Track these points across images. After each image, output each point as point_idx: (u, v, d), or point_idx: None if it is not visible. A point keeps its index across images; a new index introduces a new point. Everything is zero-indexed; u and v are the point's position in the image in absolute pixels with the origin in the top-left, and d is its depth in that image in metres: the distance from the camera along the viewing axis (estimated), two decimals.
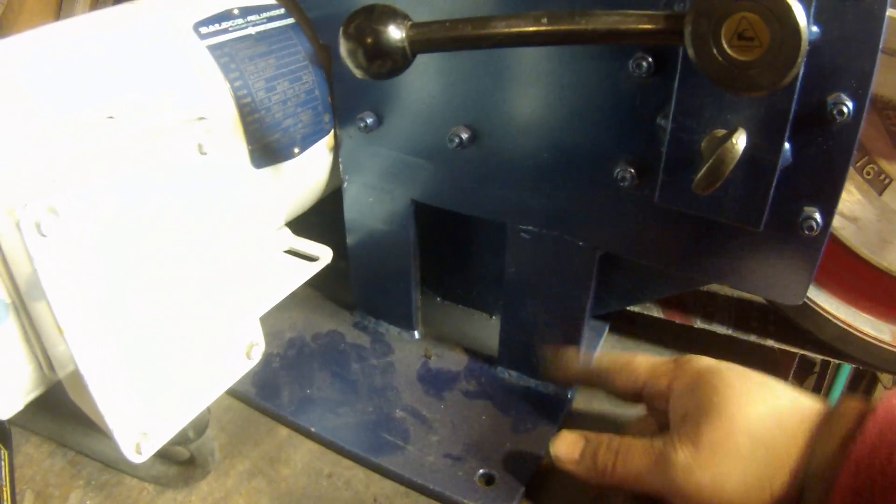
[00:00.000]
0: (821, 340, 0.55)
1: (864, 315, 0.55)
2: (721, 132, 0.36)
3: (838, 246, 0.53)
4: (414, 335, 0.56)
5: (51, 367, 0.37)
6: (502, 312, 0.51)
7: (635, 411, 0.46)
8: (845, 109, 0.33)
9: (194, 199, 0.36)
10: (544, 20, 0.34)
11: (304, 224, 0.54)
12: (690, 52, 0.32)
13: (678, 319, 0.55)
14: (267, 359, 0.53)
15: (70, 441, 0.48)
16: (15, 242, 0.30)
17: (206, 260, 0.38)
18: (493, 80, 0.42)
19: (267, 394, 0.51)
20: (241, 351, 0.41)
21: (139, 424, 0.36)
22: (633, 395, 0.44)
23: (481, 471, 0.45)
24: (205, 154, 0.35)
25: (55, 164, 0.33)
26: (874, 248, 0.52)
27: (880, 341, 0.54)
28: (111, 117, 0.38)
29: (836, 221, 0.52)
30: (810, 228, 0.37)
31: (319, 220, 0.55)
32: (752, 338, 0.56)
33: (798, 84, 0.34)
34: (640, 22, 0.33)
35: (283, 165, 0.47)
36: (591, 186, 0.42)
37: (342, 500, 0.45)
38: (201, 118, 0.35)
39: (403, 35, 0.35)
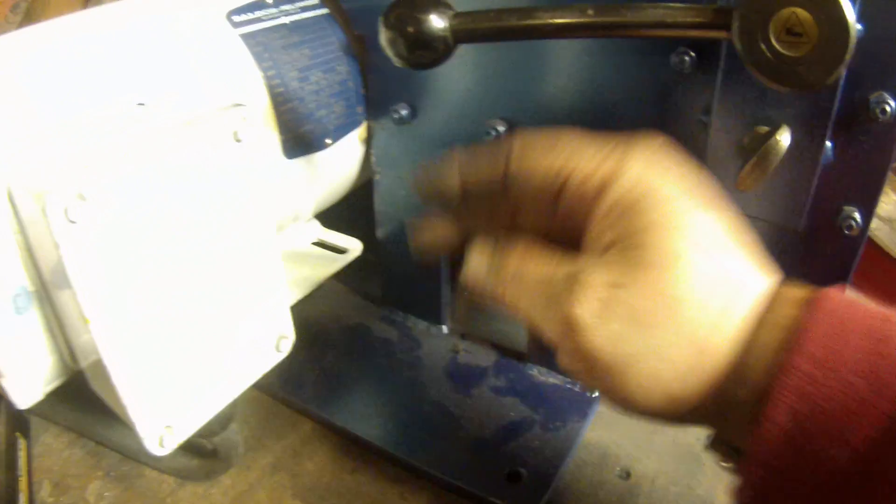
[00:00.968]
0: None
1: None
2: (764, 129, 0.36)
3: (872, 247, 0.53)
4: (442, 329, 0.55)
5: (73, 356, 0.37)
6: None
7: None
8: (888, 108, 0.33)
9: (227, 186, 0.36)
10: (590, 11, 0.34)
11: (333, 216, 0.53)
12: (738, 46, 0.31)
13: None
14: (292, 351, 0.53)
15: (90, 431, 0.47)
16: (41, 229, 0.29)
17: (236, 249, 0.38)
18: (531, 73, 0.42)
19: (291, 386, 0.50)
20: (270, 343, 0.40)
21: (163, 417, 0.36)
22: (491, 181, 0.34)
23: (508, 468, 0.45)
24: (240, 141, 0.35)
25: (85, 151, 0.33)
26: None
27: None
28: (142, 104, 0.38)
29: (871, 222, 0.52)
30: (850, 228, 0.36)
31: (348, 212, 0.54)
32: None
33: (842, 82, 0.33)
34: (687, 15, 0.33)
35: (315, 156, 0.46)
36: None
37: (367, 496, 0.45)
38: (238, 105, 0.35)
39: (447, 24, 0.34)
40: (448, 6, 0.35)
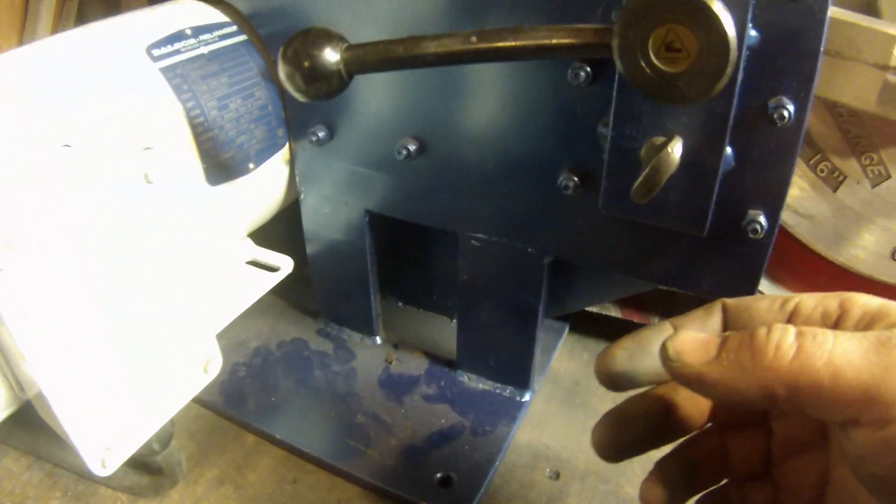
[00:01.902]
0: None
1: None
2: (660, 139, 0.37)
3: (794, 242, 0.54)
4: (376, 340, 0.57)
5: (20, 387, 0.39)
6: (458, 318, 0.52)
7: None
8: (786, 113, 0.33)
9: (144, 224, 0.37)
10: (474, 38, 0.35)
11: (269, 233, 0.55)
12: (618, 64, 0.32)
13: (636, 318, 0.56)
14: (233, 367, 0.55)
15: (46, 454, 0.49)
16: None
17: (163, 278, 0.39)
18: (439, 92, 0.43)
19: (233, 402, 0.52)
20: (198, 367, 0.42)
21: (103, 440, 0.37)
22: None
23: (439, 473, 0.46)
24: (151, 182, 0.36)
25: (11, 195, 0.34)
26: (830, 245, 0.53)
27: None
28: (68, 146, 0.39)
29: (791, 219, 0.53)
30: (755, 231, 0.37)
31: (284, 228, 0.56)
32: None
33: (737, 89, 0.34)
34: (568, 36, 0.33)
35: (240, 180, 0.48)
36: (536, 194, 0.43)
37: None
38: (148, 148, 0.36)
39: (339, 58, 0.36)
40: (342, 39, 0.36)
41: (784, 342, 0.24)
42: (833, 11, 0.32)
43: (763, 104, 0.34)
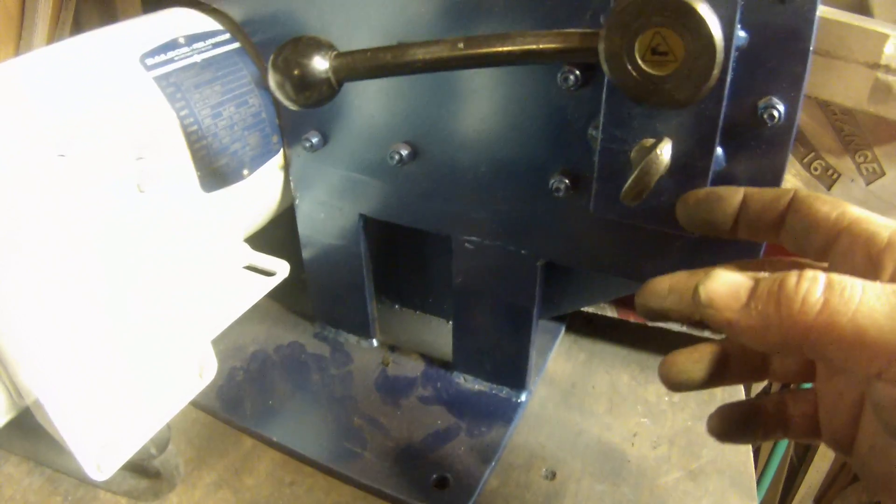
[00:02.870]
0: None
1: None
2: (650, 141, 0.37)
3: None
4: (372, 343, 0.58)
5: (19, 394, 0.39)
6: (454, 320, 0.52)
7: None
8: (776, 113, 0.33)
9: (141, 231, 0.38)
10: (461, 45, 0.35)
11: (265, 237, 0.55)
12: (605, 69, 0.32)
13: (632, 318, 0.57)
14: (231, 371, 0.55)
15: (46, 460, 0.50)
16: None
17: (158, 284, 0.40)
18: (430, 97, 0.43)
19: (231, 406, 0.52)
20: (193, 372, 0.43)
21: (99, 444, 0.38)
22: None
23: (435, 475, 0.47)
24: (143, 192, 0.37)
25: (7, 203, 0.35)
26: None
27: None
28: (62, 155, 0.39)
29: None
30: None
31: (280, 232, 0.56)
32: (706, 333, 0.57)
33: (726, 90, 0.34)
34: (554, 42, 0.34)
35: (235, 187, 0.48)
36: (528, 197, 0.43)
37: None
38: (140, 158, 0.37)
39: (328, 66, 0.36)
40: (331, 47, 0.37)
41: (811, 296, 0.24)
42: (823, 11, 0.32)
43: (753, 105, 0.34)
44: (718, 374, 0.34)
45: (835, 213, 0.29)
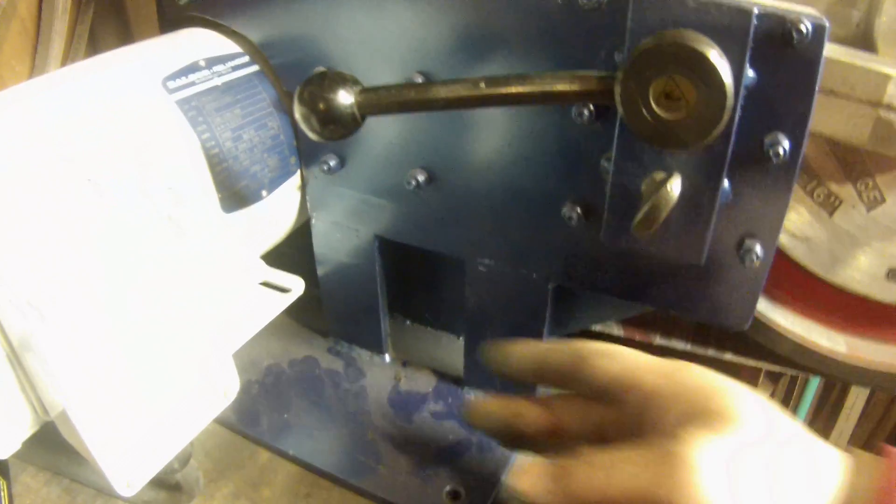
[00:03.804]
0: (778, 354, 0.57)
1: (820, 328, 0.57)
2: (660, 175, 0.37)
3: (791, 264, 0.55)
4: (385, 359, 0.59)
5: (44, 409, 0.40)
6: (465, 338, 0.54)
7: None
8: (781, 150, 0.34)
9: (165, 260, 0.39)
10: (482, 85, 0.36)
11: (279, 254, 0.56)
12: (621, 111, 0.34)
13: (638, 337, 0.58)
14: (246, 386, 0.56)
15: (64, 470, 0.51)
16: (6, 308, 0.33)
17: (181, 308, 0.41)
18: (448, 126, 0.44)
19: (247, 420, 0.54)
20: (218, 392, 0.44)
21: (128, 463, 0.39)
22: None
23: (448, 488, 0.48)
24: (174, 220, 0.38)
25: (37, 234, 0.36)
26: (826, 267, 0.55)
27: (835, 353, 0.57)
28: (89, 180, 0.40)
29: (788, 242, 0.55)
30: (751, 261, 0.38)
31: (294, 249, 0.57)
32: (710, 352, 0.58)
33: (734, 126, 0.35)
34: (572, 84, 0.35)
35: (253, 207, 0.49)
36: (541, 225, 0.45)
37: None
38: (169, 188, 0.38)
39: (353, 101, 0.37)
40: (356, 82, 0.38)
41: (593, 473, 0.33)
42: (828, 50, 0.33)
43: (759, 141, 0.35)
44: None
45: (613, 372, 0.37)
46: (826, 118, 0.43)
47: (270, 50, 0.49)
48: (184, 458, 0.47)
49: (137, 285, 0.37)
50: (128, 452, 0.39)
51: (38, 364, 0.36)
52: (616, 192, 0.39)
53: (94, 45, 0.66)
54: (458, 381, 0.57)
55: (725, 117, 0.32)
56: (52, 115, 0.41)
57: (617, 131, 0.37)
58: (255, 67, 0.50)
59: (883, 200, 0.50)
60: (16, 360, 0.38)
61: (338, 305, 0.58)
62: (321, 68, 0.46)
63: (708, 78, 0.31)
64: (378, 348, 0.58)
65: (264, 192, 0.50)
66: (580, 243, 0.44)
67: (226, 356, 0.44)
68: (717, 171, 0.36)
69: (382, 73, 0.44)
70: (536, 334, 0.50)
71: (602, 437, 0.37)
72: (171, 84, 0.46)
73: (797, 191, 0.53)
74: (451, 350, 0.59)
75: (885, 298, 0.54)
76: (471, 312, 0.51)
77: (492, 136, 0.44)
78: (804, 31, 0.32)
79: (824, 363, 0.57)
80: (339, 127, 0.38)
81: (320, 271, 0.56)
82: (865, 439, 0.71)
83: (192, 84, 0.47)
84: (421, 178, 0.46)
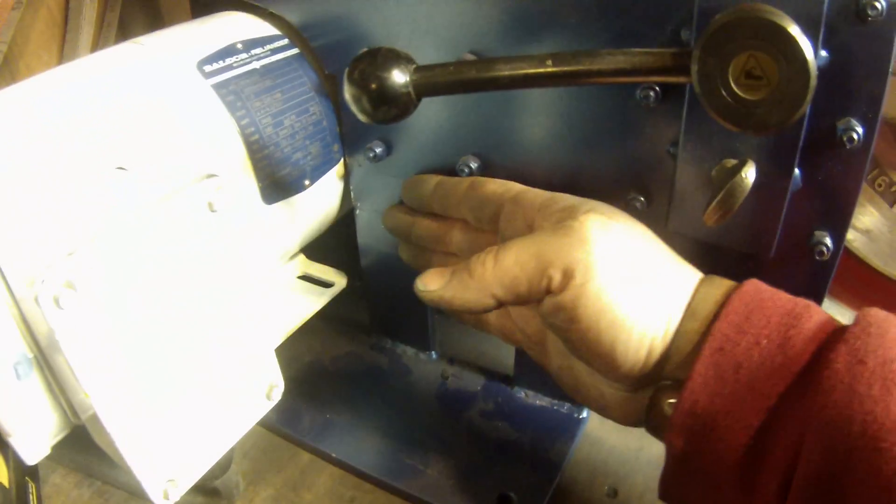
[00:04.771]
0: None
1: None
2: (731, 162, 0.36)
3: (850, 257, 0.53)
4: (431, 355, 0.57)
5: (74, 412, 0.38)
6: None
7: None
8: (855, 136, 0.33)
9: (206, 252, 0.37)
10: (549, 62, 0.34)
11: (319, 246, 0.54)
12: (698, 90, 0.31)
13: None
14: (286, 383, 0.54)
15: (96, 472, 0.49)
16: (34, 307, 0.31)
17: (221, 304, 0.38)
18: (502, 110, 0.42)
19: (288, 420, 0.51)
20: (261, 393, 0.42)
21: (166, 472, 0.37)
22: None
23: (499, 492, 0.46)
24: (215, 211, 0.35)
25: (71, 227, 0.34)
26: (886, 259, 0.53)
27: None
28: (122, 168, 0.38)
29: (848, 234, 0.52)
30: (821, 253, 0.37)
31: (333, 242, 0.55)
32: None
33: (808, 111, 0.33)
34: (645, 61, 0.33)
35: (295, 197, 0.47)
36: None
37: None
38: (211, 175, 0.35)
39: (408, 79, 0.35)
40: (410, 60, 0.35)
41: (488, 259, 0.37)
42: None
43: (832, 126, 0.34)
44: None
45: (501, 189, 0.41)
46: (892, 100, 0.41)
47: (311, 31, 0.47)
48: (224, 464, 0.45)
49: (172, 278, 0.35)
50: (166, 462, 0.37)
51: (68, 369, 0.34)
52: (683, 178, 0.38)
53: (125, 33, 0.64)
54: (507, 380, 0.54)
55: (809, 97, 0.30)
56: (83, 102, 0.39)
57: (685, 113, 0.36)
58: (294, 50, 0.48)
59: None
60: (44, 361, 0.35)
61: (382, 299, 0.56)
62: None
63: (791, 55, 0.29)
64: (424, 345, 0.56)
65: (307, 182, 0.47)
66: None
67: (270, 355, 0.42)
68: (790, 157, 0.35)
69: (431, 54, 0.42)
70: None
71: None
72: (208, 68, 0.44)
73: None
74: (500, 347, 0.57)
75: None
76: None
77: (549, 120, 0.41)
78: (879, 7, 0.30)
79: None
80: (392, 108, 0.35)
81: (364, 263, 0.54)
82: None
83: (230, 67, 0.45)
84: (474, 165, 0.44)
